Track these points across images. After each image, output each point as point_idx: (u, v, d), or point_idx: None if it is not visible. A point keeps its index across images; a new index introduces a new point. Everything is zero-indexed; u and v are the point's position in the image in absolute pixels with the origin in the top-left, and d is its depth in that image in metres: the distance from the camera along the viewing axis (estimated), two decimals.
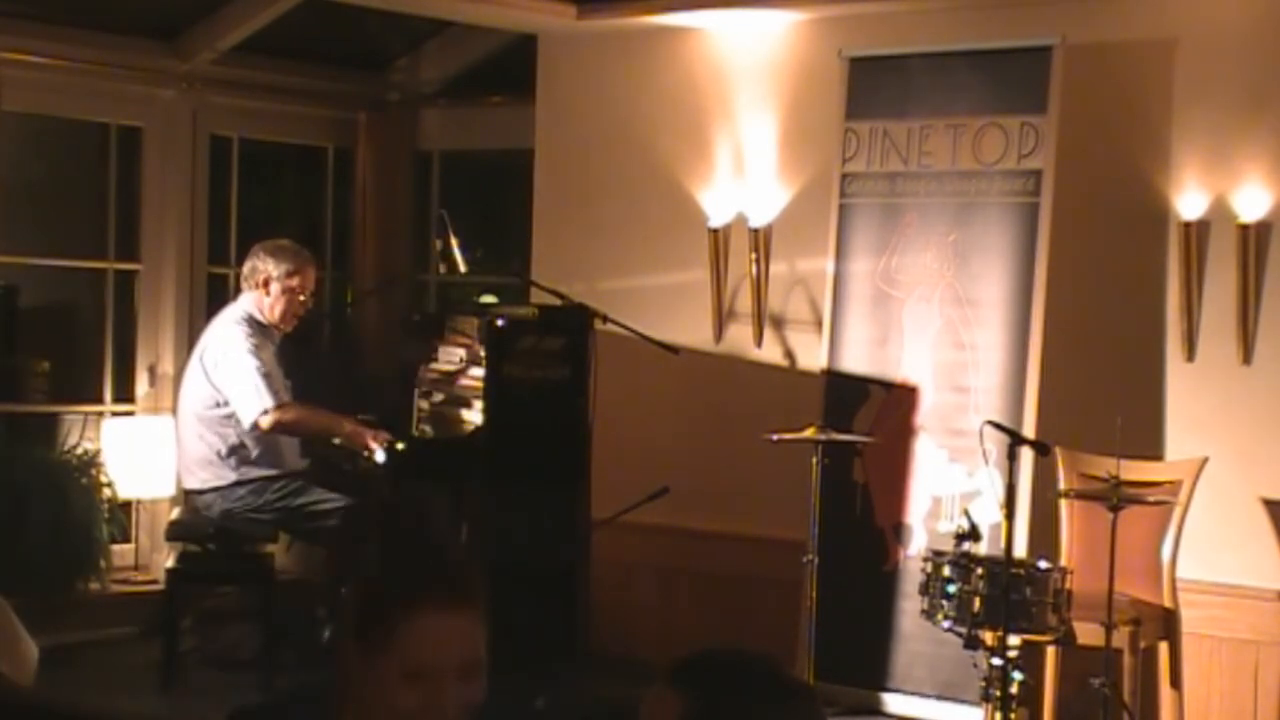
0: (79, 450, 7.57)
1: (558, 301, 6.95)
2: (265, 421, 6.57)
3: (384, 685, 2.22)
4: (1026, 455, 5.92)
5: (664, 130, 7.64)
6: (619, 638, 7.06)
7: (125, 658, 7.09)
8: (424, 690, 2.23)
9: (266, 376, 6.59)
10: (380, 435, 6.59)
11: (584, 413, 6.72)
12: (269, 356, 6.71)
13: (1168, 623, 6.11)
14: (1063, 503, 6.25)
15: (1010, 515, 5.56)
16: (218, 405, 6.65)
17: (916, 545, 6.48)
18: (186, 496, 6.99)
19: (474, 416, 6.71)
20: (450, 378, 6.96)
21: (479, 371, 6.74)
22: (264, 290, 6.77)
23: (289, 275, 6.79)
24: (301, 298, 6.85)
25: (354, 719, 2.30)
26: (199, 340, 6.88)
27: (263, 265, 6.78)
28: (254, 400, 6.56)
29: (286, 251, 6.85)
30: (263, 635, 6.72)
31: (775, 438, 6.17)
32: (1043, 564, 5.58)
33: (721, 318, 7.47)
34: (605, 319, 6.78)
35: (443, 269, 7.55)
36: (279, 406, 6.58)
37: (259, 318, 6.76)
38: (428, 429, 6.96)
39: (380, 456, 6.55)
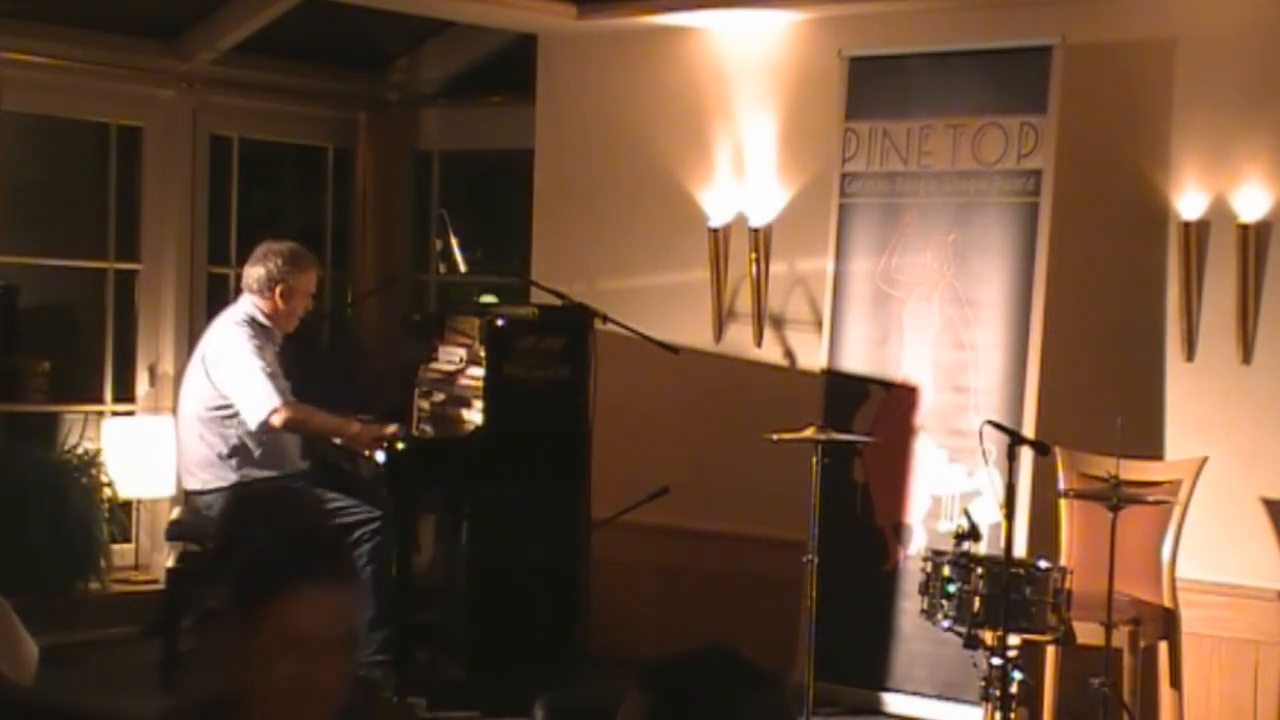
0: (79, 450, 7.57)
1: (558, 301, 6.95)
2: (277, 420, 6.54)
3: (265, 654, 2.33)
4: (1026, 455, 5.92)
5: (664, 130, 7.64)
6: (619, 638, 7.05)
7: (125, 658, 7.09)
8: (303, 659, 2.33)
9: (272, 376, 6.58)
10: (388, 430, 6.58)
11: (584, 413, 6.72)
12: (272, 357, 6.71)
13: (1168, 622, 6.11)
14: (1063, 502, 6.25)
15: (1010, 515, 5.56)
16: (219, 407, 6.65)
17: (916, 545, 6.48)
18: (187, 497, 6.99)
19: (474, 416, 6.71)
20: (450, 378, 6.96)
21: (479, 371, 6.73)
22: (276, 295, 6.71)
23: (307, 282, 6.79)
24: (307, 301, 6.85)
25: (233, 690, 2.40)
26: (199, 341, 6.87)
27: (277, 271, 6.71)
28: (263, 400, 6.54)
29: (303, 258, 6.82)
30: None
31: (775, 438, 6.16)
32: (1043, 564, 5.58)
33: (721, 318, 7.47)
34: (605, 319, 6.78)
35: (443, 269, 7.54)
36: (285, 405, 6.57)
37: (261, 319, 6.75)
38: (428, 429, 6.95)
39: (380, 457, 6.55)
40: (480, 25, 8.15)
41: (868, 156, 6.79)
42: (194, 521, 6.78)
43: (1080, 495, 6.03)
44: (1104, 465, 5.79)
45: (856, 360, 6.79)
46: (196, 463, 6.74)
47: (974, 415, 6.31)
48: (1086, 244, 6.60)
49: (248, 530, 2.48)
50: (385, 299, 8.46)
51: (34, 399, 7.77)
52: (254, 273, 6.72)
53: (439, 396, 6.99)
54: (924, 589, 5.71)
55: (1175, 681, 6.17)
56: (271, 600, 2.34)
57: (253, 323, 6.71)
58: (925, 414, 6.60)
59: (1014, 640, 5.55)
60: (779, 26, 7.37)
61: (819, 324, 7.02)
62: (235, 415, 6.62)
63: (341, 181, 8.74)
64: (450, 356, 7.00)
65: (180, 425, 6.86)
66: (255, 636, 2.35)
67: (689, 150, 7.57)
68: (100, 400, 7.87)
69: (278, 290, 6.70)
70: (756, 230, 7.32)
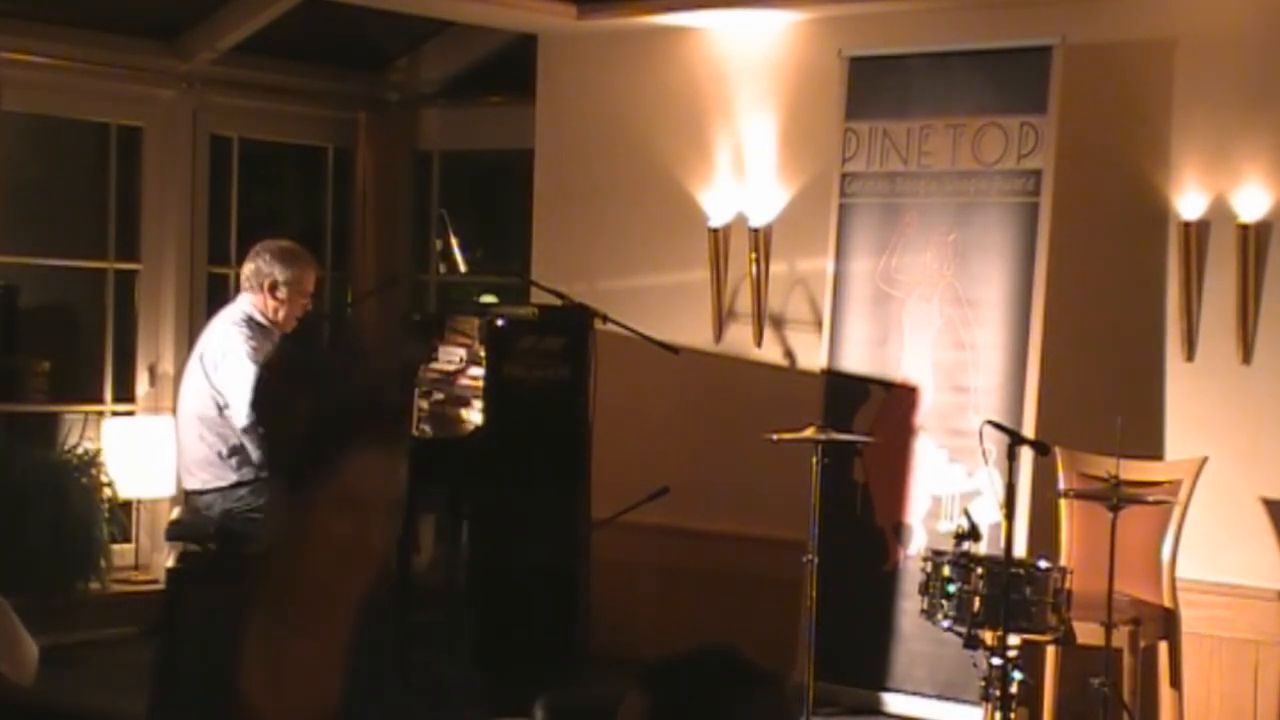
0: (79, 450, 7.57)
1: (558, 301, 6.95)
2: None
3: (320, 514, 2.45)
4: (1026, 455, 5.92)
5: (664, 130, 7.64)
6: (619, 638, 7.05)
7: (125, 658, 7.08)
8: (355, 519, 2.45)
9: None
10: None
11: (584, 413, 6.72)
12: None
13: (1168, 622, 6.11)
14: (1063, 502, 6.25)
15: (1010, 515, 5.56)
16: (218, 406, 6.65)
17: (916, 545, 6.48)
18: (187, 496, 6.99)
19: (474, 416, 6.71)
20: (450, 378, 6.96)
21: (479, 371, 6.73)
22: (269, 294, 6.74)
23: (299, 280, 6.77)
24: (304, 300, 6.84)
25: (286, 550, 2.54)
26: (199, 340, 6.87)
27: (268, 269, 6.74)
28: (248, 404, 6.55)
29: (291, 254, 6.82)
30: None
31: (775, 438, 6.17)
32: (1043, 564, 5.58)
33: (721, 318, 7.47)
34: (605, 319, 6.78)
35: (443, 269, 7.54)
36: None
37: (259, 318, 6.75)
38: (428, 429, 6.95)
39: None
40: (480, 25, 8.15)
41: (868, 156, 6.79)
42: (194, 521, 6.78)
43: (1080, 495, 6.03)
44: (1104, 465, 5.79)
45: (856, 360, 6.79)
46: (196, 462, 6.74)
47: (974, 415, 6.31)
48: (1086, 244, 6.60)
49: (296, 399, 2.58)
50: (385, 299, 8.46)
51: (34, 399, 7.77)
52: (246, 269, 6.75)
53: (439, 396, 6.99)
54: (924, 589, 5.72)
55: (1175, 681, 6.17)
56: (325, 465, 2.46)
57: (250, 322, 6.71)
58: (925, 414, 6.60)
59: (1014, 640, 5.55)
60: (779, 26, 7.37)
61: (819, 324, 7.02)
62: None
63: (341, 181, 8.74)
64: (450, 356, 7.00)
65: (180, 424, 6.86)
66: (308, 500, 2.47)
67: (689, 150, 7.57)
68: (100, 400, 7.87)
69: (267, 285, 6.70)
70: (756, 230, 7.32)
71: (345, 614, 2.54)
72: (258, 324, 6.72)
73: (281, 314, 6.75)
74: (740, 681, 2.09)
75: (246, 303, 6.77)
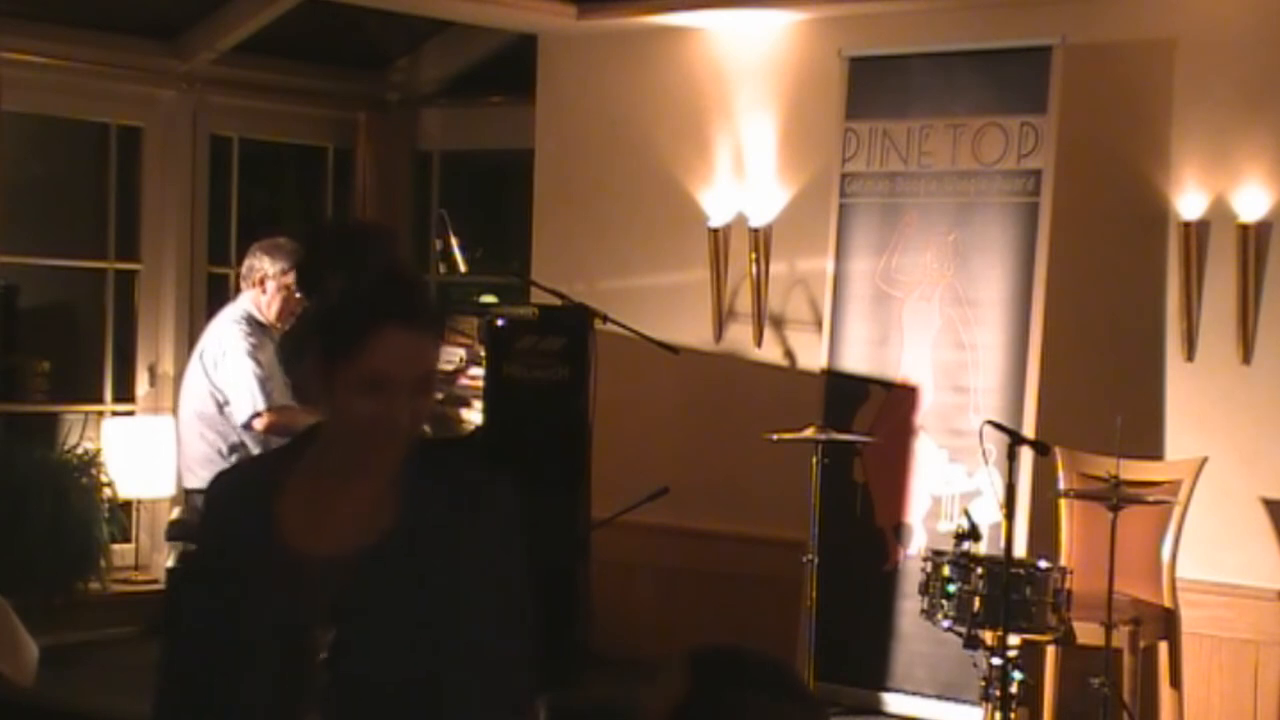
0: (79, 450, 7.57)
1: (558, 301, 6.95)
2: (259, 424, 6.56)
3: (349, 392, 2.49)
4: (1026, 455, 5.92)
5: (664, 130, 7.64)
6: (619, 638, 7.05)
7: (125, 658, 7.08)
8: (382, 398, 2.48)
9: (261, 379, 6.58)
10: None
11: (584, 413, 6.71)
12: (267, 357, 6.69)
13: (1168, 622, 6.11)
14: (1063, 502, 6.25)
15: (1010, 515, 5.56)
16: (218, 404, 6.65)
17: (916, 545, 6.48)
18: (187, 496, 6.98)
19: (474, 416, 6.71)
20: (450, 378, 6.96)
21: (479, 371, 6.74)
22: (260, 288, 6.75)
23: (284, 273, 6.76)
24: (298, 295, 6.82)
25: (316, 425, 2.62)
26: (200, 338, 6.87)
27: (259, 264, 6.75)
28: (247, 402, 6.55)
29: (283, 249, 6.82)
30: None
31: (775, 438, 6.17)
32: (1043, 564, 5.59)
33: (721, 318, 7.47)
34: (605, 319, 6.78)
35: (443, 269, 7.54)
36: (270, 409, 6.58)
37: (258, 316, 6.75)
38: (427, 429, 6.95)
39: None
40: (480, 25, 8.15)
41: (868, 156, 6.79)
42: (194, 521, 6.77)
43: (1080, 495, 6.04)
44: (1104, 465, 5.79)
45: (856, 360, 6.79)
46: (197, 460, 6.74)
47: (974, 415, 6.31)
48: (1086, 244, 6.60)
49: (330, 273, 2.60)
50: None
51: (34, 399, 7.77)
52: (243, 266, 6.78)
53: (439, 396, 6.99)
54: (924, 589, 5.72)
55: (1175, 681, 6.17)
56: (355, 342, 2.49)
57: (250, 320, 6.71)
58: (925, 414, 6.60)
59: (1014, 640, 5.55)
60: (779, 26, 7.37)
61: (819, 324, 7.02)
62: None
63: (341, 181, 8.74)
64: (450, 356, 7.00)
65: (181, 423, 6.86)
66: (338, 375, 2.50)
67: (689, 150, 7.57)
68: (100, 400, 7.87)
69: (257, 280, 6.70)
70: (756, 230, 7.32)
71: (384, 466, 2.57)
72: (256, 322, 6.72)
73: (273, 310, 6.74)
74: (777, 693, 2.07)
75: (246, 300, 6.77)
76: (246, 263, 6.77)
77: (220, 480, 2.75)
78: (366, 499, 2.57)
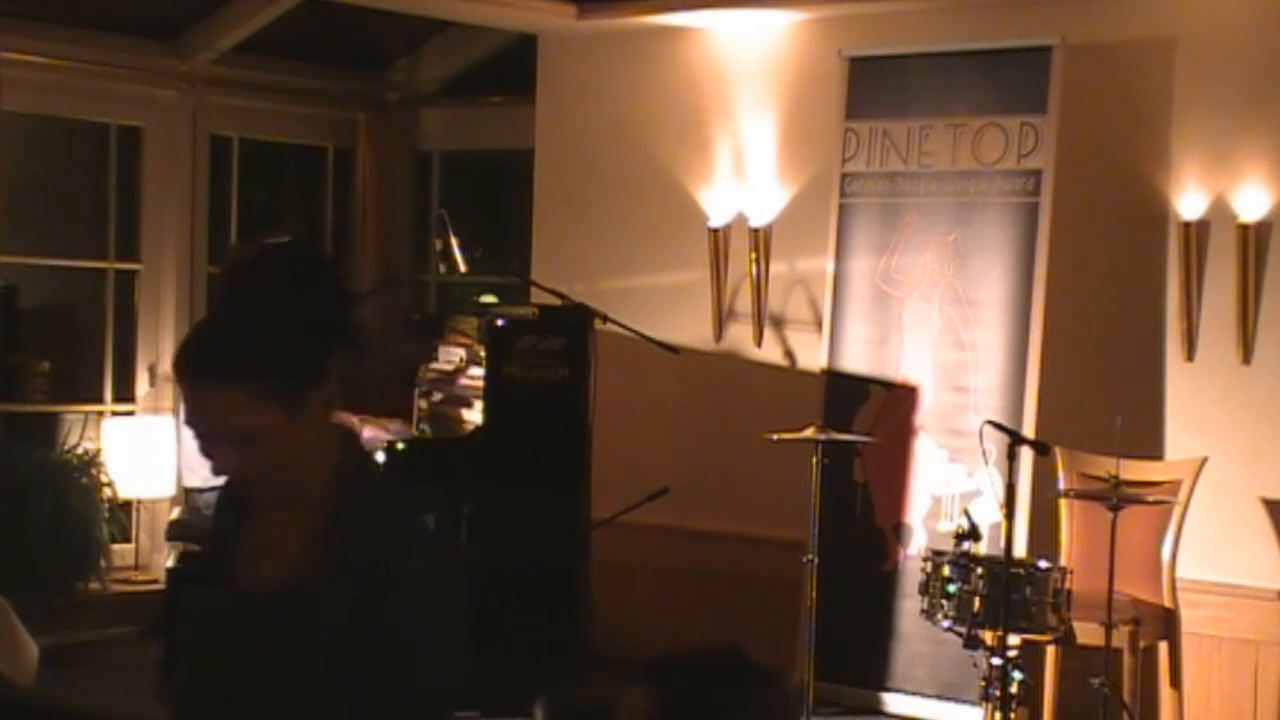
0: (79, 450, 7.57)
1: (558, 301, 6.95)
2: None
3: (315, 431, 2.56)
4: (1026, 455, 5.91)
5: (664, 130, 7.64)
6: (619, 638, 7.05)
7: (125, 658, 7.08)
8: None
9: None
10: (383, 427, 6.59)
11: (584, 413, 6.71)
12: None
13: (1168, 622, 6.11)
14: (1063, 503, 6.25)
15: (1010, 515, 5.56)
16: None
17: (916, 545, 6.48)
18: (187, 495, 7.00)
19: (474, 416, 6.71)
20: (450, 378, 6.96)
21: (479, 371, 6.74)
22: None
23: None
24: None
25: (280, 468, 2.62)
26: None
27: None
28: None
29: None
30: None
31: (775, 438, 6.17)
32: (1043, 564, 5.58)
33: (721, 318, 7.47)
34: (605, 319, 6.78)
35: (443, 269, 7.54)
36: None
37: None
38: (427, 429, 6.96)
39: (380, 456, 6.55)
40: (480, 25, 8.15)
41: (868, 156, 6.79)
42: (194, 521, 6.78)
43: (1080, 495, 6.03)
44: (1104, 465, 5.79)
45: (856, 360, 6.79)
46: (198, 459, 6.74)
47: (974, 415, 6.31)
48: (1086, 244, 6.60)
49: (279, 321, 2.59)
50: (385, 299, 8.46)
51: (34, 399, 7.77)
52: None
53: (439, 396, 7.00)
54: (924, 589, 5.72)
55: (1175, 681, 6.17)
56: (318, 383, 2.53)
57: None
58: (925, 414, 6.60)
59: (1014, 640, 5.55)
60: (779, 26, 7.37)
61: (819, 324, 7.02)
62: None
63: (341, 181, 8.74)
64: (450, 356, 7.00)
65: (184, 421, 6.87)
66: (307, 416, 2.52)
67: (689, 150, 7.57)
68: (100, 400, 7.87)
69: None
70: (756, 230, 7.32)
71: (290, 504, 2.57)
72: None
73: None
74: (744, 680, 2.09)
75: None
76: None
77: (228, 491, 2.76)
78: (296, 535, 2.55)
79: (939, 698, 6.43)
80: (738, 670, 2.10)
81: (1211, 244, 6.42)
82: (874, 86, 6.79)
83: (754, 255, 7.31)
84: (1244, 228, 6.33)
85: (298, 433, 2.52)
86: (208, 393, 2.49)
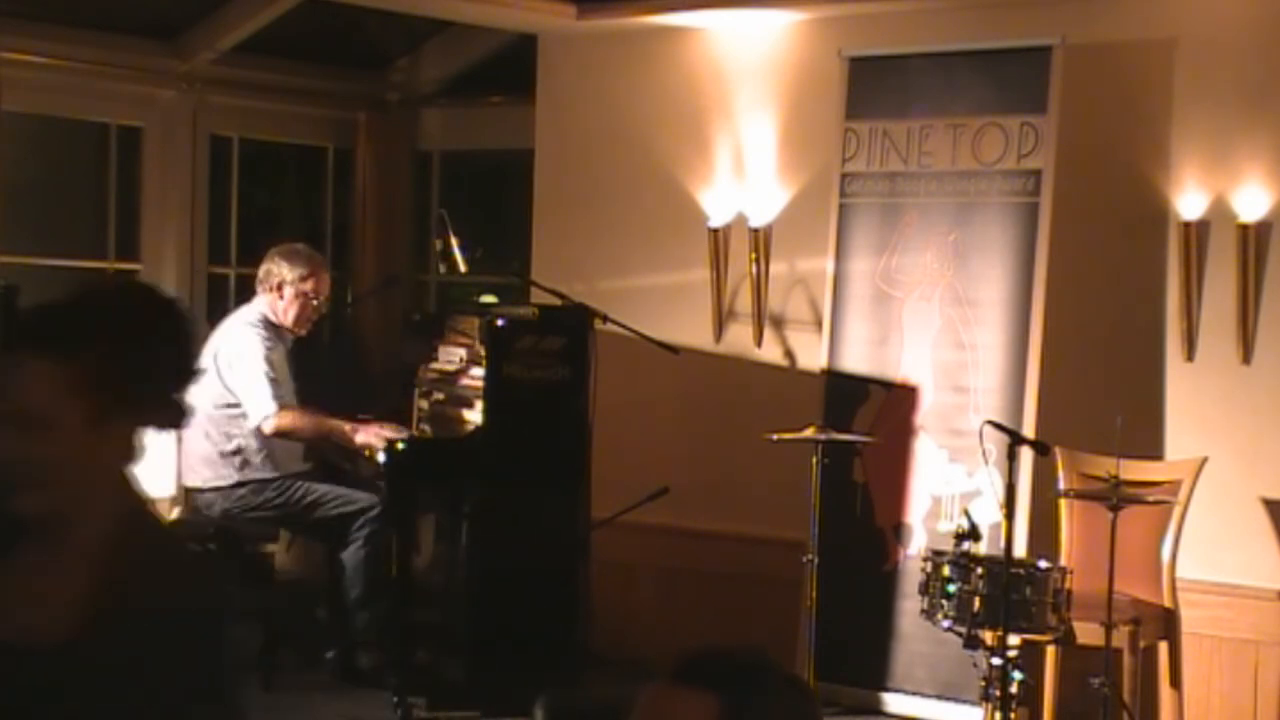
0: None
1: (558, 301, 6.95)
2: (267, 427, 6.61)
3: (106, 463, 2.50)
4: (1026, 455, 5.92)
5: (664, 130, 7.64)
6: (619, 638, 7.06)
7: None
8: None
9: (273, 382, 6.62)
10: (386, 430, 6.60)
11: (584, 413, 6.71)
12: (280, 360, 6.73)
13: (1168, 622, 6.11)
14: (1063, 502, 6.25)
15: (1010, 515, 5.56)
16: (228, 405, 6.67)
17: (916, 545, 6.48)
18: (187, 495, 7.00)
19: (474, 416, 6.71)
20: (450, 378, 6.96)
21: (479, 371, 6.74)
22: (278, 294, 6.78)
23: (302, 279, 6.81)
24: (315, 302, 6.86)
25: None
26: (211, 338, 6.87)
27: (276, 269, 6.80)
28: (258, 405, 6.59)
29: (300, 255, 6.87)
30: (263, 635, 6.72)
31: (775, 438, 6.17)
32: (1043, 564, 5.58)
33: (721, 318, 7.47)
34: (605, 319, 6.78)
35: (443, 269, 7.55)
36: (280, 412, 6.61)
37: (272, 318, 6.79)
38: (427, 429, 6.96)
39: (381, 457, 6.56)
40: (480, 25, 8.15)
41: (868, 156, 6.79)
42: (194, 521, 6.79)
43: (1080, 495, 6.04)
44: (1104, 465, 5.79)
45: (856, 360, 6.79)
46: (200, 459, 6.76)
47: (974, 415, 6.31)
48: (1086, 244, 6.60)
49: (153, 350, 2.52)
50: (385, 299, 8.46)
51: None
52: (260, 270, 6.86)
53: (439, 396, 7.00)
54: (924, 589, 5.72)
55: (1175, 681, 6.17)
56: (129, 407, 2.50)
57: (265, 323, 6.76)
58: (925, 414, 6.60)
59: (1014, 640, 5.55)
60: (779, 26, 7.37)
61: (819, 324, 7.02)
62: (243, 414, 6.66)
63: (341, 181, 8.74)
64: (450, 356, 7.00)
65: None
66: (104, 434, 2.49)
67: (689, 150, 7.57)
68: None
69: (275, 285, 6.76)
70: (756, 230, 7.31)
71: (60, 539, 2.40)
72: (272, 325, 6.77)
73: (290, 315, 6.79)
74: (793, 694, 2.07)
75: (262, 304, 6.82)
76: (264, 267, 6.83)
77: None
78: (69, 581, 2.38)
79: (939, 698, 6.43)
80: (787, 682, 2.07)
81: (1211, 244, 6.42)
82: (874, 86, 6.79)
83: (754, 255, 7.31)
84: (1244, 228, 6.33)
85: (88, 446, 2.40)
86: (15, 361, 2.34)
